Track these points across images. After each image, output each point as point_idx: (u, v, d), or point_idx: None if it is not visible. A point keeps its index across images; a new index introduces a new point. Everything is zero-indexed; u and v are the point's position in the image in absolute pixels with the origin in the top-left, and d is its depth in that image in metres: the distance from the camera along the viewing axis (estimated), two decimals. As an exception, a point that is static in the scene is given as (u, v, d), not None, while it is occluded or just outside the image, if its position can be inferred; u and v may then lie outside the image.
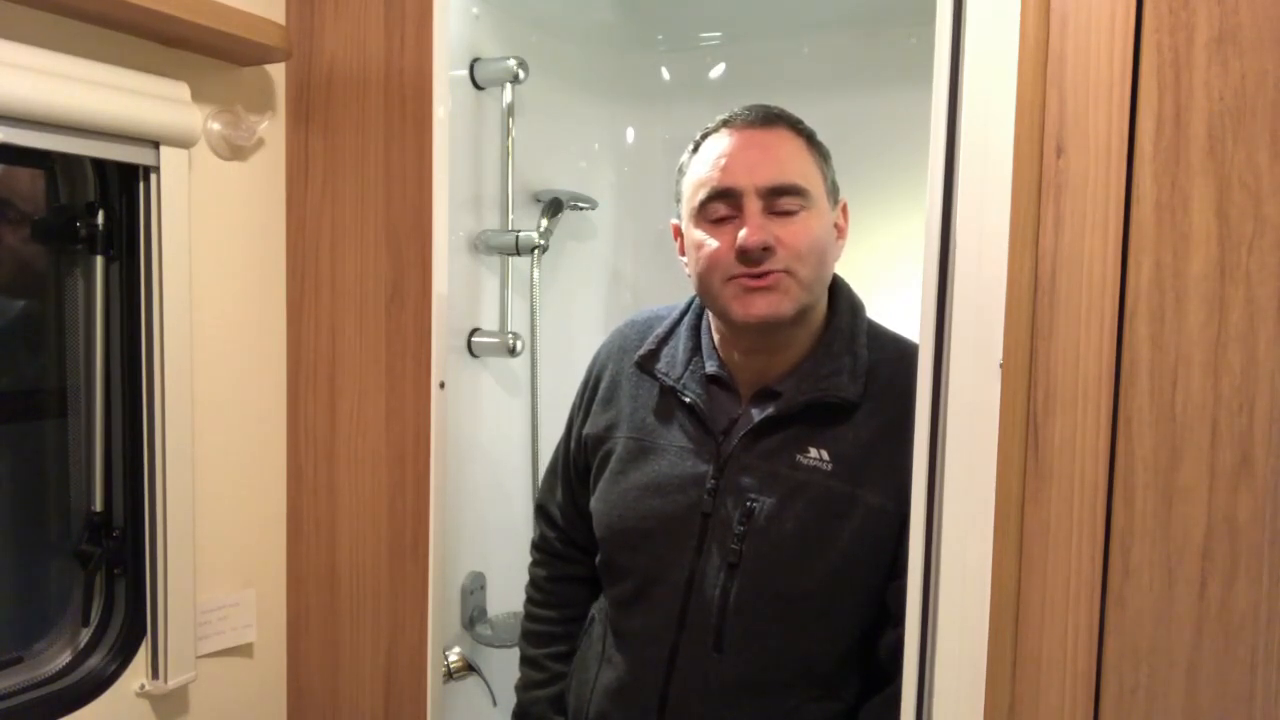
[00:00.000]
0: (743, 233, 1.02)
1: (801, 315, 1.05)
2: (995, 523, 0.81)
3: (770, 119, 1.08)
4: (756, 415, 1.07)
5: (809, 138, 1.09)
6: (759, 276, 1.02)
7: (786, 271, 1.02)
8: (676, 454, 1.10)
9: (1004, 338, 0.80)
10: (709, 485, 1.06)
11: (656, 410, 1.14)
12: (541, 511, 1.30)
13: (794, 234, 1.02)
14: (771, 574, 1.03)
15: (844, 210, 1.11)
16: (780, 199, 1.03)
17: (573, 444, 1.23)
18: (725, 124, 1.10)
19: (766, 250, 1.01)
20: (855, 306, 1.13)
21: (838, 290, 1.13)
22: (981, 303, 0.81)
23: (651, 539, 1.09)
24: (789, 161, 1.05)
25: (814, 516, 1.02)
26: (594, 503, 1.17)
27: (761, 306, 1.02)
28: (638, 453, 1.13)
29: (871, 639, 1.06)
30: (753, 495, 1.04)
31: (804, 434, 1.05)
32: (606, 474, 1.15)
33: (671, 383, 1.12)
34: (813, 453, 1.04)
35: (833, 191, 1.10)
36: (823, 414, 1.05)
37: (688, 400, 1.10)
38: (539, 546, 1.30)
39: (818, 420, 1.05)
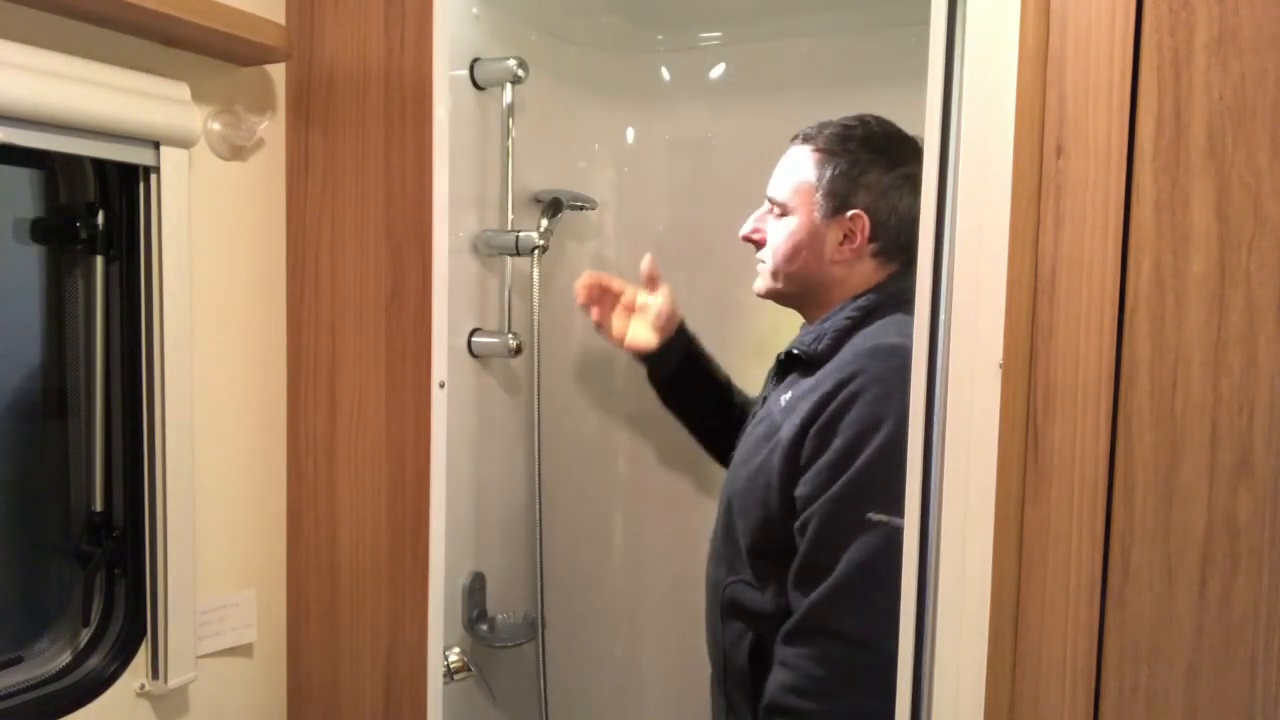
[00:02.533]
0: None
1: (783, 294, 1.35)
2: (995, 523, 0.81)
3: (803, 140, 1.33)
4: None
5: (825, 160, 1.29)
6: (760, 262, 1.36)
7: (762, 260, 1.35)
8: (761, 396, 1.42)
9: (1004, 338, 0.80)
10: (755, 413, 1.38)
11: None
12: None
13: (772, 234, 1.34)
14: (732, 472, 1.34)
15: (856, 221, 1.27)
16: (770, 202, 1.34)
17: None
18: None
19: (753, 241, 1.37)
20: (869, 304, 1.27)
21: (874, 289, 1.29)
22: (981, 303, 0.81)
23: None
24: (783, 176, 1.33)
25: (759, 435, 1.30)
26: None
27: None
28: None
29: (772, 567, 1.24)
30: (754, 418, 1.35)
31: (791, 381, 1.31)
32: None
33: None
34: (788, 393, 1.29)
35: (834, 207, 1.28)
36: (803, 367, 1.29)
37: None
38: None
39: (800, 372, 1.29)
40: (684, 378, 1.56)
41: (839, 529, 1.13)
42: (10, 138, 0.98)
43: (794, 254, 1.30)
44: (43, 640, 1.17)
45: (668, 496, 1.89)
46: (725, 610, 1.32)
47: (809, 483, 1.17)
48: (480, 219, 1.62)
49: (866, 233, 1.27)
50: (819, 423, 1.17)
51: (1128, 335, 0.77)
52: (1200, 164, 0.75)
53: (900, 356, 1.11)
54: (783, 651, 1.18)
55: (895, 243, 1.29)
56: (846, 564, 1.11)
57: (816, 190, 1.28)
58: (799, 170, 1.30)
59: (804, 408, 1.20)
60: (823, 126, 1.31)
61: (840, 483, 1.13)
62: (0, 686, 1.10)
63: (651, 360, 1.56)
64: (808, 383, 1.24)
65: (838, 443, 1.14)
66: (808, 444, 1.18)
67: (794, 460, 1.19)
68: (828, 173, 1.28)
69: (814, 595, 1.14)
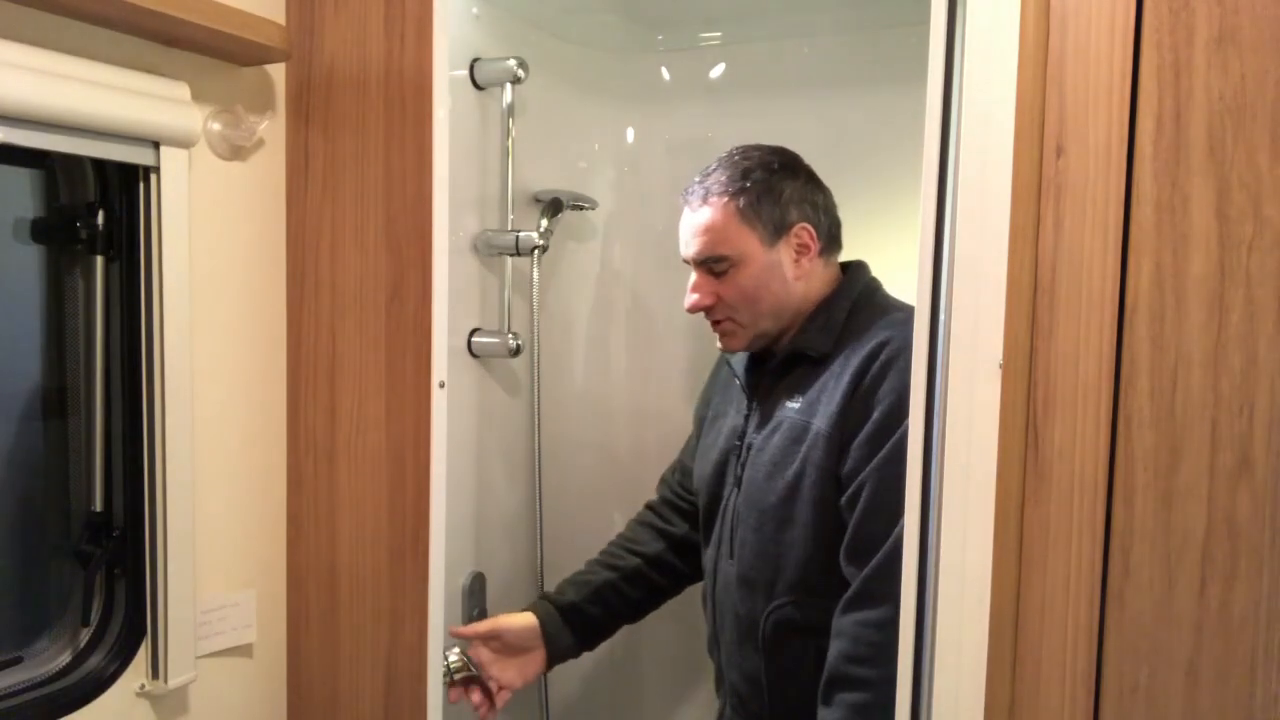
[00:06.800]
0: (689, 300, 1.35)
1: (766, 334, 1.33)
2: (995, 523, 0.81)
3: (704, 199, 1.32)
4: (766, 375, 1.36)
5: (741, 199, 1.29)
6: (716, 323, 1.35)
7: (728, 319, 1.32)
8: (731, 415, 1.40)
9: (1004, 338, 0.80)
10: (739, 430, 1.36)
11: (726, 390, 1.46)
12: (661, 482, 1.60)
13: (725, 291, 1.31)
14: (753, 491, 1.30)
15: (804, 232, 1.31)
16: (711, 264, 1.31)
17: (693, 425, 1.56)
18: (684, 202, 1.37)
19: (707, 309, 1.33)
20: (854, 292, 1.32)
21: (847, 279, 1.35)
22: (981, 303, 0.81)
23: (711, 478, 1.40)
24: (711, 234, 1.30)
25: (783, 442, 1.27)
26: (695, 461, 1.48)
27: (722, 344, 1.37)
28: (713, 420, 1.46)
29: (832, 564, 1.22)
30: (755, 433, 1.32)
31: (793, 383, 1.30)
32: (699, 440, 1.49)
33: (733, 368, 1.43)
34: (796, 396, 1.29)
35: (775, 233, 1.30)
36: (806, 366, 1.29)
37: (737, 375, 1.41)
38: (648, 505, 1.59)
39: (802, 371, 1.30)
40: (586, 636, 1.46)
41: (890, 493, 1.12)
42: (10, 138, 0.98)
43: (760, 293, 1.30)
44: (43, 640, 1.17)
45: (668, 496, 1.89)
46: (771, 639, 1.27)
47: (853, 456, 1.18)
48: (480, 219, 1.62)
49: (816, 238, 1.32)
50: (855, 397, 1.19)
51: (1128, 335, 0.77)
52: (1200, 164, 0.75)
53: None
54: (840, 622, 1.17)
55: (832, 236, 1.35)
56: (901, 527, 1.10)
57: (751, 226, 1.29)
58: (721, 221, 1.29)
59: (833, 395, 1.22)
60: (706, 181, 1.32)
61: (887, 447, 1.15)
62: (0, 686, 1.10)
63: (550, 665, 1.44)
64: (822, 377, 1.26)
65: (877, 413, 1.17)
66: (849, 422, 1.19)
67: (836, 442, 1.20)
68: (751, 206, 1.29)
69: (871, 562, 1.14)
